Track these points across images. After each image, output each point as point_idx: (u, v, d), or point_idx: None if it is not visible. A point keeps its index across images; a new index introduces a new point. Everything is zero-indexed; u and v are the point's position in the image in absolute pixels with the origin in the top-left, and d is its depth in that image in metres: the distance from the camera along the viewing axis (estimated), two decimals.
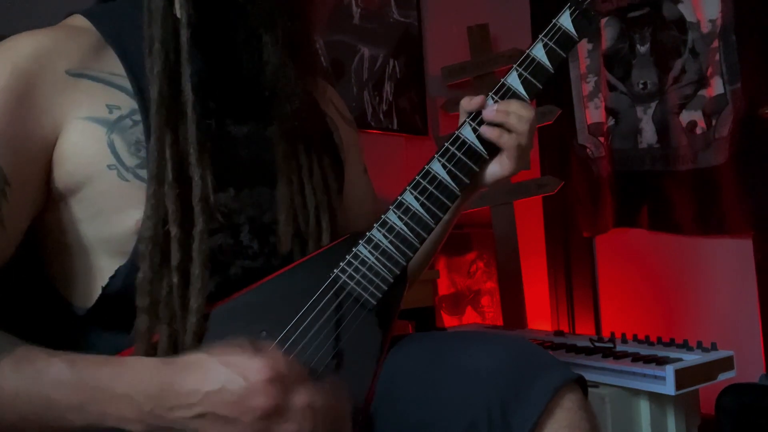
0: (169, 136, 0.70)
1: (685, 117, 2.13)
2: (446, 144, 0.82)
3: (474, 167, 0.82)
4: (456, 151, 0.82)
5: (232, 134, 0.78)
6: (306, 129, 0.83)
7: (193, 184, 0.70)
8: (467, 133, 0.83)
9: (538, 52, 0.84)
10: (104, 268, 0.72)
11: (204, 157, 0.72)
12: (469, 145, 0.83)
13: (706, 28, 2.06)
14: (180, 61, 0.71)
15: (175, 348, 0.69)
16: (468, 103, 0.84)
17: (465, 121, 0.84)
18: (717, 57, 2.03)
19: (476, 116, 0.83)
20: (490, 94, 0.84)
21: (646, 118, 2.24)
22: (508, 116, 0.82)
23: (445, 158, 0.82)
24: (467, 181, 0.82)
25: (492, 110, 0.82)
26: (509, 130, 0.82)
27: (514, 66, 0.84)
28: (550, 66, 0.84)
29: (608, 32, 2.31)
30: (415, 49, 2.29)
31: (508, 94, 0.84)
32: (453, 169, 0.81)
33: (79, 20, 0.77)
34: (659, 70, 2.19)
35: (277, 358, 0.61)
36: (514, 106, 0.82)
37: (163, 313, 0.68)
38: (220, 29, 0.77)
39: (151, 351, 0.68)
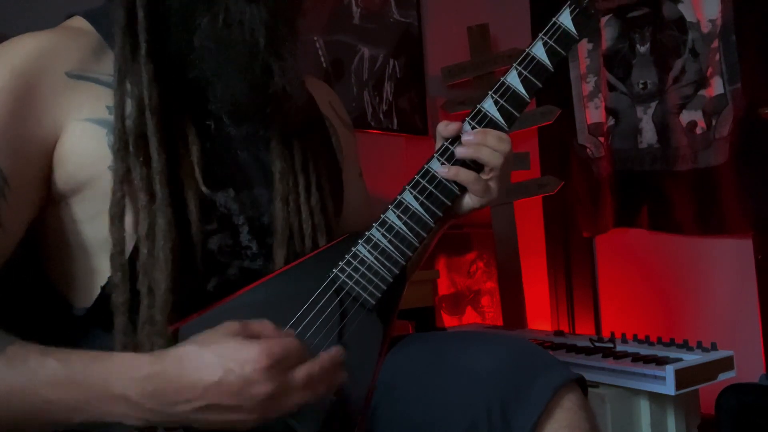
0: (132, 140, 0.70)
1: (685, 117, 2.12)
2: (445, 143, 0.82)
3: (472, 165, 0.82)
4: (455, 150, 0.82)
5: (231, 136, 0.78)
6: (304, 129, 0.83)
7: (156, 197, 0.70)
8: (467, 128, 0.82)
9: (538, 51, 0.84)
10: (104, 268, 0.72)
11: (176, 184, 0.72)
12: None
13: (706, 28, 2.06)
14: (138, 60, 0.71)
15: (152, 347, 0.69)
16: (444, 128, 0.82)
17: (465, 119, 0.83)
18: (717, 57, 2.03)
19: (476, 115, 0.83)
20: (490, 93, 0.83)
21: (646, 118, 2.24)
22: (479, 150, 0.79)
23: (444, 157, 0.82)
24: None
25: (464, 149, 0.80)
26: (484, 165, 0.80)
27: (514, 65, 0.84)
28: (549, 64, 0.83)
29: (608, 32, 2.31)
30: (415, 49, 2.29)
31: (507, 93, 0.82)
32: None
33: (79, 22, 0.77)
34: (659, 70, 2.19)
35: (271, 341, 0.61)
36: (490, 138, 0.80)
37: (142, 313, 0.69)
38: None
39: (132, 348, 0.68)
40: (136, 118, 0.70)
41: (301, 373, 0.61)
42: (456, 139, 0.82)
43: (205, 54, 0.72)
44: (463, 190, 0.82)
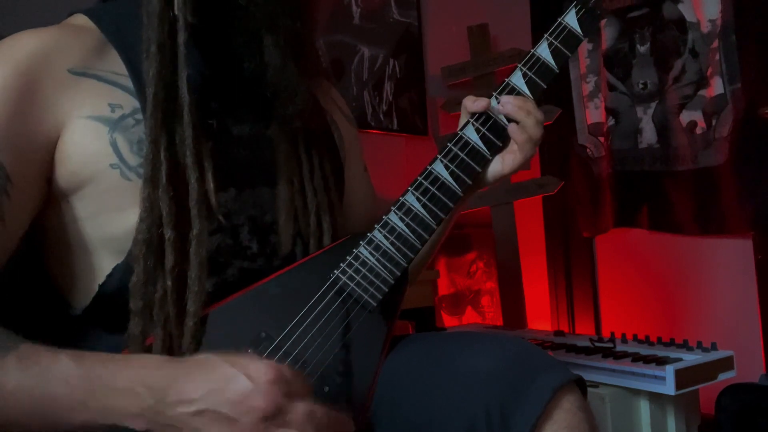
0: (164, 138, 0.70)
1: (685, 117, 2.13)
2: (449, 144, 0.82)
3: (476, 168, 0.82)
4: (459, 152, 0.82)
5: (233, 134, 0.78)
6: (307, 129, 0.83)
7: (189, 187, 0.70)
8: (470, 133, 0.82)
9: (543, 52, 0.83)
10: (104, 267, 0.72)
11: (201, 160, 0.72)
12: (472, 145, 0.82)
13: (706, 28, 2.06)
14: (177, 63, 0.71)
15: (170, 351, 0.69)
16: (472, 103, 0.83)
17: (468, 121, 0.83)
18: (717, 57, 2.03)
19: (480, 116, 0.83)
20: (494, 94, 0.83)
21: (646, 118, 2.24)
22: (528, 116, 0.81)
23: (448, 159, 0.81)
24: (470, 181, 0.82)
25: (511, 104, 0.81)
26: (524, 129, 0.82)
27: (519, 65, 0.83)
28: (555, 65, 0.83)
29: (608, 32, 2.31)
30: (415, 49, 2.29)
31: (512, 94, 0.83)
32: (455, 170, 0.81)
33: (81, 19, 0.77)
34: (659, 70, 2.19)
35: (283, 365, 0.61)
36: (531, 105, 0.82)
37: (158, 316, 0.68)
38: (221, 30, 0.77)
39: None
40: (167, 108, 0.71)
41: (303, 406, 0.59)
42: (460, 139, 0.82)
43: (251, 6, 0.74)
44: (466, 190, 0.82)
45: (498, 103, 0.82)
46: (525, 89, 0.83)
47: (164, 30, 0.71)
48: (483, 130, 0.82)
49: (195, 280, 0.69)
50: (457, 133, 0.83)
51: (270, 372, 0.58)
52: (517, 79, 0.83)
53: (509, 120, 0.82)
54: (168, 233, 0.69)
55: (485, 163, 0.83)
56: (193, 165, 0.70)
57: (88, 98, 0.71)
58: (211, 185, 0.72)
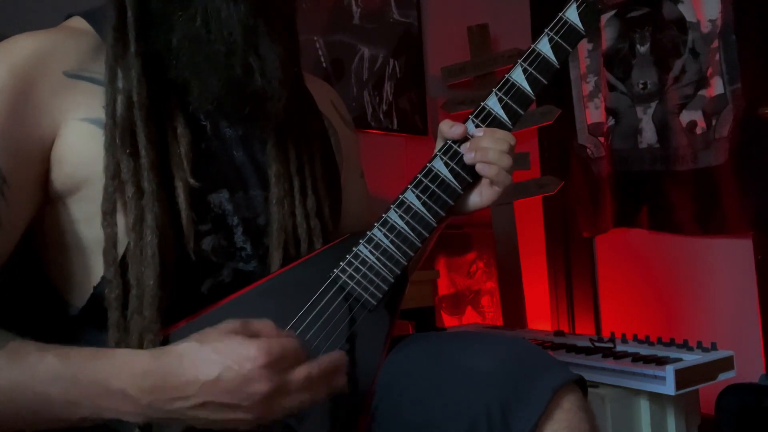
0: (118, 135, 0.69)
1: (685, 117, 2.12)
2: (449, 141, 0.82)
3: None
4: (459, 149, 0.81)
5: (226, 136, 0.78)
6: (301, 131, 0.83)
7: (143, 186, 0.70)
8: (471, 128, 0.82)
9: (544, 47, 0.83)
10: (100, 269, 0.72)
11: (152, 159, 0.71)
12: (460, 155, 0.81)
13: (706, 28, 2.06)
14: (127, 57, 0.71)
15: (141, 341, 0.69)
16: (448, 129, 0.81)
17: (469, 118, 0.83)
18: (717, 57, 2.03)
19: (479, 114, 0.83)
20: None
21: (646, 118, 2.24)
22: (487, 153, 0.79)
23: (448, 156, 0.81)
24: (470, 179, 0.81)
25: (473, 147, 0.80)
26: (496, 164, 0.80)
27: (519, 61, 0.83)
28: (555, 61, 0.83)
29: (608, 32, 2.31)
30: (415, 49, 2.29)
31: (512, 90, 0.82)
32: (455, 167, 0.81)
33: (77, 22, 0.77)
34: (659, 70, 2.19)
35: (271, 340, 0.61)
36: (489, 139, 0.79)
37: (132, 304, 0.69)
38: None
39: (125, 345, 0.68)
40: (125, 113, 0.70)
41: (299, 373, 0.61)
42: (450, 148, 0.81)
43: (182, 52, 0.71)
44: (467, 189, 0.82)
45: (497, 98, 0.82)
46: (525, 85, 0.82)
47: (117, 46, 0.72)
48: (483, 127, 0.81)
49: (148, 282, 0.68)
50: (447, 143, 0.82)
51: (260, 357, 0.59)
52: (518, 75, 0.82)
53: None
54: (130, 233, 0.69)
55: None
56: (151, 195, 0.70)
57: (84, 101, 0.71)
58: (191, 179, 0.72)
